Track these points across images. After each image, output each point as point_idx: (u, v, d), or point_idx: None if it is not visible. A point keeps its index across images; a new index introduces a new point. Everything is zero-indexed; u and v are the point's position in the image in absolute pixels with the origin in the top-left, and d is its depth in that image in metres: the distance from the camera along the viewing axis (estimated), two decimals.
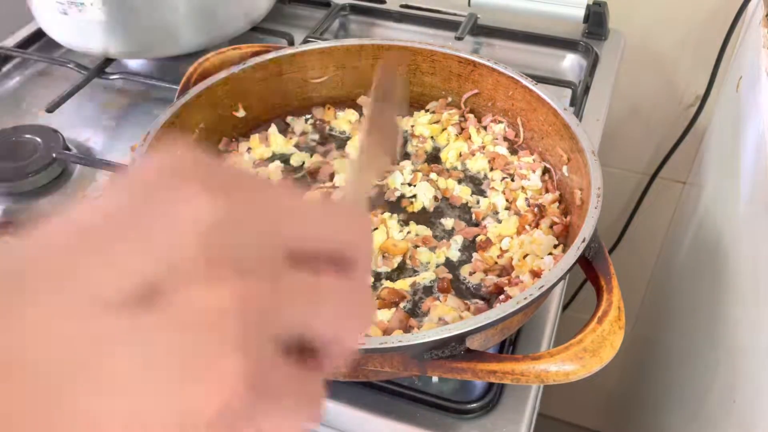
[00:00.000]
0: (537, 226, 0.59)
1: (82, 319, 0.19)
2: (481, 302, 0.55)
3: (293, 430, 0.22)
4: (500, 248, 0.59)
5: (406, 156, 0.69)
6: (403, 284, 0.56)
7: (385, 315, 0.53)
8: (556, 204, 0.61)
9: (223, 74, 0.66)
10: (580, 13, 0.91)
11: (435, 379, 0.53)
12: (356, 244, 0.24)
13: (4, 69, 0.88)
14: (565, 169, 0.61)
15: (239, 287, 0.20)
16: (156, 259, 0.20)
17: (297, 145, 0.70)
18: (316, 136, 0.71)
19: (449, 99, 0.72)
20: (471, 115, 0.71)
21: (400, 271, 0.58)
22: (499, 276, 0.57)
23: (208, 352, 0.19)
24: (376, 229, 0.60)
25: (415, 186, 0.65)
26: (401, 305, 0.54)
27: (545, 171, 0.65)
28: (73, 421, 0.18)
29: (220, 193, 0.21)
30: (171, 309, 0.19)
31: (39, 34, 0.90)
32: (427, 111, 0.73)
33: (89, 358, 0.18)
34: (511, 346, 0.56)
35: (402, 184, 0.65)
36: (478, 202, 0.64)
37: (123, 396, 0.18)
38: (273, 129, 0.70)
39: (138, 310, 0.19)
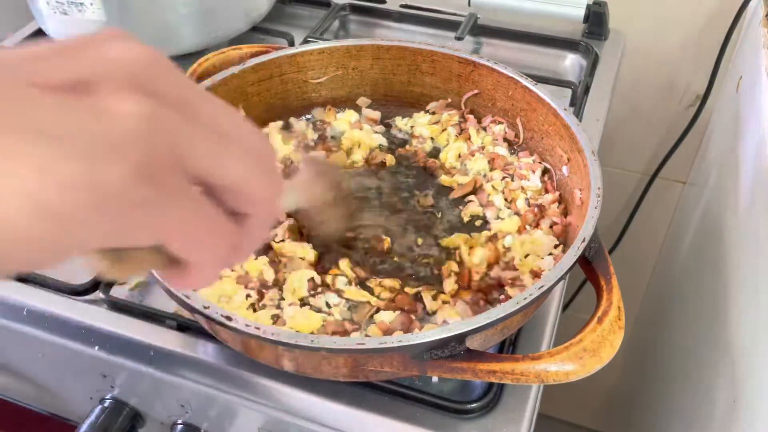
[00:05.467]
0: (537, 226, 0.59)
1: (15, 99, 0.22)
2: (484, 302, 0.55)
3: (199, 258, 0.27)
4: (503, 245, 0.59)
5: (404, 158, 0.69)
6: (394, 283, 0.56)
7: (388, 317, 0.53)
8: (556, 204, 0.61)
9: (223, 74, 0.66)
10: (580, 13, 0.91)
11: (435, 379, 0.53)
12: (263, 198, 0.29)
13: None
14: (565, 169, 0.61)
15: (156, 111, 0.24)
16: (87, 67, 0.24)
17: (297, 146, 0.70)
18: (316, 137, 0.71)
19: (449, 99, 0.72)
20: (471, 116, 0.71)
21: (400, 269, 0.58)
22: (503, 270, 0.57)
23: (111, 140, 0.22)
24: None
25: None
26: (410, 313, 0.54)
27: (545, 171, 0.65)
28: None
29: (151, 91, 0.24)
30: (90, 100, 0.23)
31: (39, 34, 0.90)
32: (427, 112, 0.73)
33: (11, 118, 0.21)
34: (511, 346, 0.56)
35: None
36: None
37: (34, 156, 0.21)
38: (273, 128, 0.70)
39: (64, 96, 0.22)
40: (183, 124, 0.25)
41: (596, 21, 0.91)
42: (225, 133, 0.27)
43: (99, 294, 0.59)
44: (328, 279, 0.56)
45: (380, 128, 0.72)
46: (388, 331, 0.52)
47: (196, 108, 0.26)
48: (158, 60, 0.26)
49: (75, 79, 0.23)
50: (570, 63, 0.90)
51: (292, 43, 0.88)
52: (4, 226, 0.21)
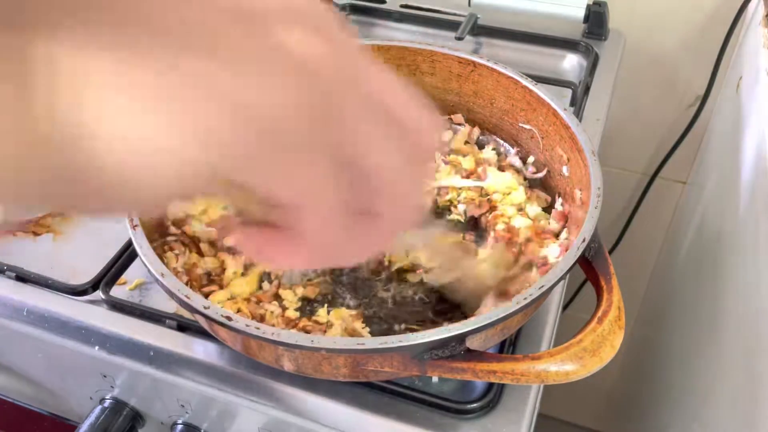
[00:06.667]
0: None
1: None
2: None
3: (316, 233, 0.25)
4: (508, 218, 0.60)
5: None
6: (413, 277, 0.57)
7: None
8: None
9: None
10: (580, 13, 0.91)
11: (435, 379, 0.53)
12: (426, 131, 0.26)
13: None
14: (565, 169, 0.61)
15: (326, 59, 0.23)
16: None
17: None
18: None
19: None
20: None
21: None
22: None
23: (280, 73, 0.22)
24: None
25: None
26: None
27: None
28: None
29: (327, 40, 0.23)
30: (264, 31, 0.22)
31: None
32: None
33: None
34: (511, 346, 0.56)
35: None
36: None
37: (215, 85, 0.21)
38: None
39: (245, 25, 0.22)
40: (344, 83, 0.23)
41: (596, 21, 0.91)
42: (383, 106, 0.24)
43: (99, 294, 0.59)
44: None
45: None
46: None
47: (362, 70, 0.24)
48: (330, 10, 0.24)
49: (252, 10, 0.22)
50: (570, 63, 0.91)
51: None
52: (167, 155, 0.21)
